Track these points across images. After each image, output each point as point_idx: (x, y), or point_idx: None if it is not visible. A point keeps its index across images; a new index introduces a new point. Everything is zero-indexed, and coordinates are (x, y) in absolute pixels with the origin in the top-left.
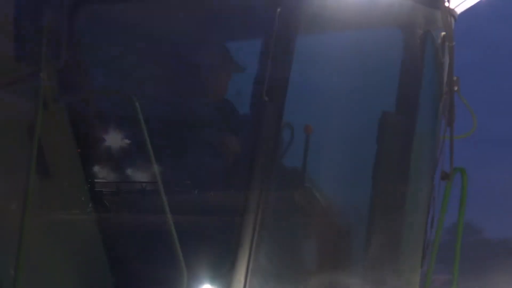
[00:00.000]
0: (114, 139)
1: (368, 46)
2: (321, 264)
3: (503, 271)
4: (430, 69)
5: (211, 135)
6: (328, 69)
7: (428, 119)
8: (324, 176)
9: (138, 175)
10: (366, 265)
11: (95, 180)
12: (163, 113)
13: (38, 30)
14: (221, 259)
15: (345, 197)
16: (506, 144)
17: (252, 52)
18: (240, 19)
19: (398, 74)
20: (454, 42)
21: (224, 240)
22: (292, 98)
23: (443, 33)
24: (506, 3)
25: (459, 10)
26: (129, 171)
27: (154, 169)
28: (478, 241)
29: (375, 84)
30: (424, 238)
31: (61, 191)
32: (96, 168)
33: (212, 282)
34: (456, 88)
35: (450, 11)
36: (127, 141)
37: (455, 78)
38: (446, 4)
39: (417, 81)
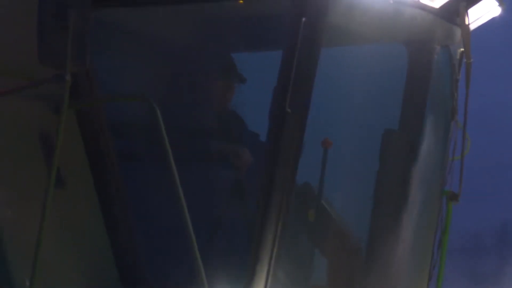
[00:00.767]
0: (130, 145)
1: (387, 60)
2: (333, 280)
3: None
4: (446, 85)
5: (231, 146)
6: (344, 82)
7: (439, 137)
8: (332, 192)
9: (156, 186)
10: (372, 285)
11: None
12: (179, 122)
13: (62, 30)
14: (240, 272)
15: (351, 213)
16: None
17: (274, 63)
18: (264, 29)
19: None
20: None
21: (242, 254)
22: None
23: (461, 49)
24: None
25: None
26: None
27: (171, 178)
28: None
29: (390, 97)
30: (430, 259)
31: (71, 197)
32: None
33: None
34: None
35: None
36: (145, 147)
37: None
38: (467, 20)
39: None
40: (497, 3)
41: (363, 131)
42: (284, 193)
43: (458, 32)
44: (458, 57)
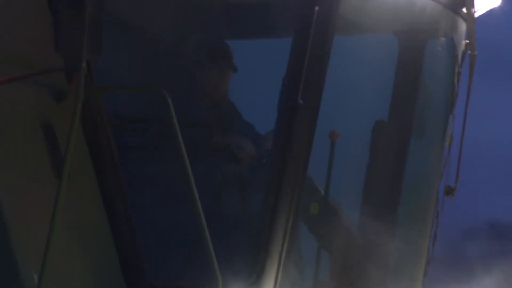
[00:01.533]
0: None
1: (386, 50)
2: (337, 275)
3: None
4: (447, 77)
5: (240, 138)
6: (347, 72)
7: (436, 129)
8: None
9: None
10: (365, 280)
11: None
12: (183, 115)
13: (77, 18)
14: (249, 267)
15: (346, 207)
16: None
17: (285, 52)
18: (276, 17)
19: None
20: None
21: (251, 248)
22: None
23: (465, 41)
24: None
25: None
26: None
27: (183, 172)
28: None
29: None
30: (426, 254)
31: (75, 191)
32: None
33: None
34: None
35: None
36: (156, 140)
37: None
38: (473, 11)
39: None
40: None
41: (361, 123)
42: (296, 187)
43: (461, 23)
44: (463, 49)
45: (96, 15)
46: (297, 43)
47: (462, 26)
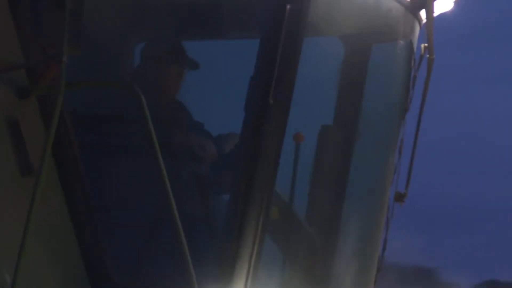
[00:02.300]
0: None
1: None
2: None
3: None
4: (403, 80)
5: (209, 138)
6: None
7: (387, 135)
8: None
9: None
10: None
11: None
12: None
13: (58, 11)
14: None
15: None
16: None
17: (253, 51)
18: (246, 16)
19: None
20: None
21: (209, 251)
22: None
23: (424, 45)
24: None
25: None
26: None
27: (158, 170)
28: None
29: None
30: (376, 262)
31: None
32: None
33: None
34: None
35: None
36: (126, 138)
37: None
38: (433, 14)
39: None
40: None
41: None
42: (266, 188)
43: (417, 27)
44: (422, 52)
45: (76, 8)
46: (268, 42)
47: (418, 29)
